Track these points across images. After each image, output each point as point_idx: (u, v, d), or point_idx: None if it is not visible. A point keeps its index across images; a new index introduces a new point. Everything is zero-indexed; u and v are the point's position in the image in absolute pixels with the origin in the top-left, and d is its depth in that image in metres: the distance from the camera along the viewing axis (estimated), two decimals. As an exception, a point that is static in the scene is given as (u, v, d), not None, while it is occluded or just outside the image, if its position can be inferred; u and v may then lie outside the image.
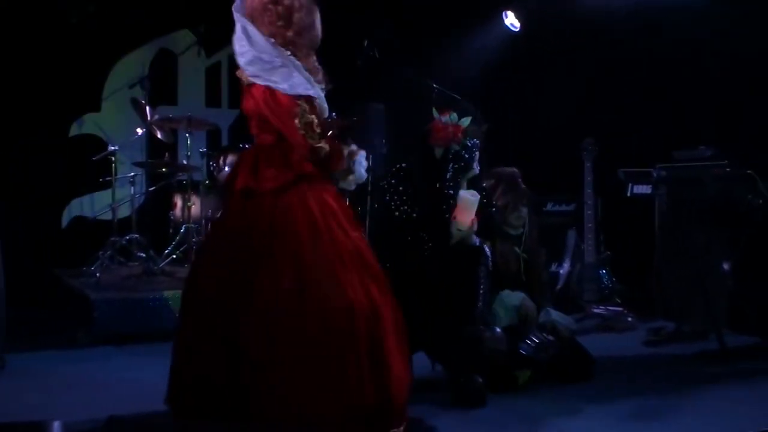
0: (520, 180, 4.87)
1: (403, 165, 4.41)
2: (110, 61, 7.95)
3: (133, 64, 7.93)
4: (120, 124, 7.67)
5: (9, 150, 5.62)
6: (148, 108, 6.95)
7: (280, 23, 3.40)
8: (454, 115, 4.26)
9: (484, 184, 4.53)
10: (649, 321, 6.14)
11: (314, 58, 3.53)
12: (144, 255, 6.72)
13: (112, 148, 7.08)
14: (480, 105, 4.43)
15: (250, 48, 3.35)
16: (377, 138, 8.02)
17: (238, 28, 3.39)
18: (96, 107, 7.97)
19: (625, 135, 7.17)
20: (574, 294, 6.44)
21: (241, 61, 3.40)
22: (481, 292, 4.31)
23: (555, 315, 4.77)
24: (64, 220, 7.78)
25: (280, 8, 3.41)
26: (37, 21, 7.29)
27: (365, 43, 6.44)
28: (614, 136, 6.96)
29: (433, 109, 4.29)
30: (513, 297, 4.65)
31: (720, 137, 6.16)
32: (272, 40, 3.38)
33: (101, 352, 5.33)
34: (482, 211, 4.32)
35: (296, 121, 3.33)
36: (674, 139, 6.47)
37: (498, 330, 4.38)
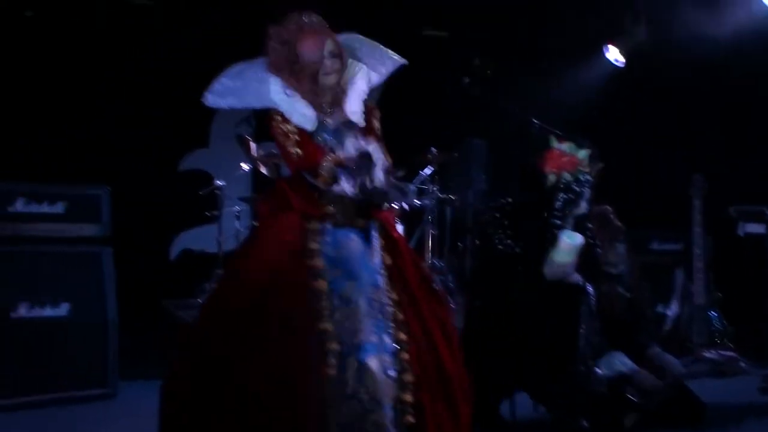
0: (612, 216, 4.78)
1: (509, 200, 4.38)
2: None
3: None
4: (226, 160, 7.87)
5: (121, 184, 5.86)
6: (253, 144, 7.12)
7: (282, 56, 3.53)
8: (572, 146, 4.21)
9: (590, 225, 4.44)
10: (763, 366, 5.89)
11: (313, 84, 3.54)
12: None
13: (219, 183, 7.27)
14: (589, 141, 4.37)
15: (221, 79, 3.57)
16: (478, 174, 8.02)
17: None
18: (204, 143, 8.23)
19: (736, 171, 6.97)
20: (683, 336, 6.25)
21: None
22: (583, 332, 4.23)
23: (662, 356, 4.64)
24: (173, 253, 8.01)
25: (277, 44, 3.54)
26: (153, 61, 7.59)
27: (465, 80, 6.47)
28: (725, 172, 6.77)
29: (552, 137, 4.25)
30: (622, 364, 4.52)
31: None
32: (258, 71, 3.54)
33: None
34: (586, 251, 4.24)
35: (275, 131, 3.47)
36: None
37: (600, 372, 4.29)
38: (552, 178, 4.18)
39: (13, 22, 6.95)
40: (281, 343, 3.19)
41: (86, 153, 7.15)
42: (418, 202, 7.30)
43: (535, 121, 6.27)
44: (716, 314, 6.25)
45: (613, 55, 8.11)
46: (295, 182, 3.49)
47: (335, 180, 3.41)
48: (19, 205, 4.76)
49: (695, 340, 6.19)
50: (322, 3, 3.70)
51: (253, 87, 3.54)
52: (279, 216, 3.44)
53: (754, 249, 6.25)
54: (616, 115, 8.30)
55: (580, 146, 4.19)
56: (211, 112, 8.25)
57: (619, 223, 4.77)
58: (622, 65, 8.12)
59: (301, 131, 3.46)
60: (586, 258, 4.23)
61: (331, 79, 3.56)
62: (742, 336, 6.23)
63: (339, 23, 3.74)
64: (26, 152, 6.83)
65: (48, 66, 7.15)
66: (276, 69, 3.54)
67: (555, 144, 4.22)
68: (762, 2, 6.80)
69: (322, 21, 3.60)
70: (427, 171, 7.44)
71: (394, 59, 3.83)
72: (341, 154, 3.46)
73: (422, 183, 7.50)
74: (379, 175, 3.50)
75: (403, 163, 7.53)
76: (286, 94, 3.50)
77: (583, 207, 4.26)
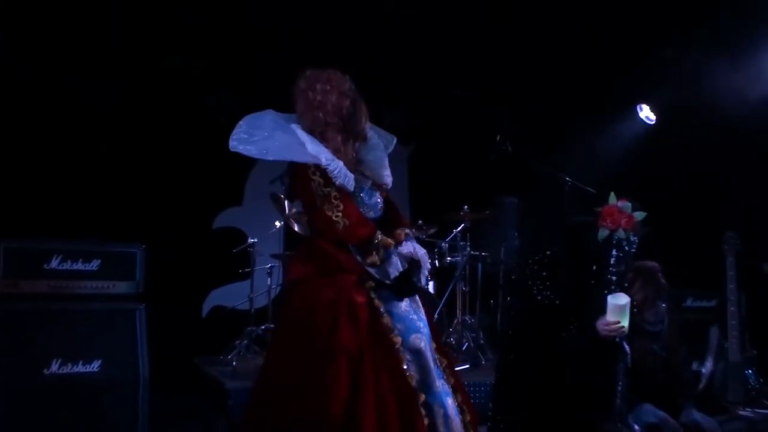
0: (660, 275, 4.74)
1: (548, 253, 4.37)
2: (253, 158, 8.30)
3: (274, 161, 8.25)
4: (259, 218, 7.95)
5: (155, 241, 5.93)
6: (286, 202, 7.19)
7: (315, 104, 3.55)
8: (629, 205, 4.21)
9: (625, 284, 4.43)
10: (801, 425, 5.78)
11: (342, 140, 3.59)
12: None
13: (252, 240, 7.34)
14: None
15: (244, 124, 3.58)
16: (510, 231, 8.02)
17: (249, 115, 3.64)
18: (238, 201, 8.34)
19: (769, 228, 6.90)
20: (718, 394, 6.14)
21: (231, 135, 3.57)
22: (620, 389, 4.19)
23: (698, 416, 4.56)
24: (205, 309, 8.07)
25: (316, 94, 3.56)
26: (189, 120, 7.75)
27: (498, 138, 6.52)
28: (758, 229, 6.70)
29: (612, 194, 4.26)
30: (652, 414, 4.46)
31: None
32: (293, 125, 3.54)
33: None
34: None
35: (312, 193, 3.44)
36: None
37: (636, 428, 4.23)
38: (604, 233, 4.18)
39: (52, 79, 7.12)
40: (382, 405, 3.27)
41: (121, 210, 7.26)
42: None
43: (568, 179, 6.33)
44: (752, 372, 6.15)
45: (645, 113, 8.13)
46: (335, 243, 3.49)
47: (382, 263, 3.45)
48: (55, 263, 4.84)
49: (730, 398, 6.08)
50: (350, 63, 3.76)
51: (282, 139, 3.51)
52: (337, 276, 3.43)
53: (788, 305, 6.18)
54: (649, 172, 8.28)
55: (635, 208, 4.20)
56: (246, 171, 8.40)
57: (664, 282, 4.75)
58: (653, 123, 8.13)
59: (343, 193, 3.47)
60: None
61: (361, 140, 3.65)
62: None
63: (367, 84, 3.82)
64: (62, 210, 6.94)
65: (83, 123, 7.29)
66: (314, 122, 3.55)
67: (614, 200, 4.23)
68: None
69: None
70: (459, 228, 7.48)
71: (390, 136, 3.88)
72: (406, 244, 3.52)
73: (454, 240, 7.53)
74: (424, 276, 3.57)
75: (436, 220, 7.65)
76: (320, 153, 3.47)
77: (623, 268, 4.26)
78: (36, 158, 7.04)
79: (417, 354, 3.42)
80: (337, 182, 3.45)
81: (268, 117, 3.58)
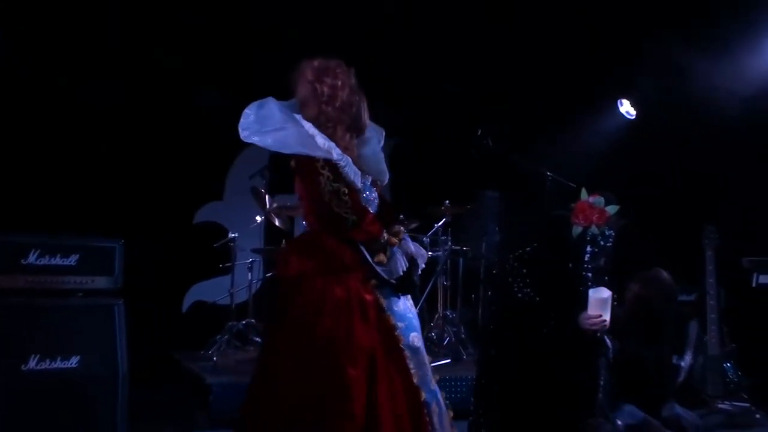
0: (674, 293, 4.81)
1: (527, 249, 4.37)
2: (234, 152, 8.30)
3: (255, 154, 8.23)
4: (240, 212, 7.93)
5: (135, 236, 5.89)
6: (267, 196, 7.17)
7: (324, 99, 3.47)
8: (602, 200, 4.21)
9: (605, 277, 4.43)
10: (779, 418, 5.83)
11: (349, 138, 3.54)
12: (260, 340, 6.84)
13: (232, 235, 7.31)
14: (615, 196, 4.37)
15: (253, 114, 3.41)
16: (491, 225, 8.03)
17: (254, 102, 3.45)
18: (219, 196, 8.31)
19: (749, 223, 6.94)
20: (697, 388, 6.18)
21: (239, 127, 3.41)
22: (602, 383, 4.21)
23: (680, 411, 4.59)
24: (185, 304, 8.03)
25: (324, 87, 3.48)
26: (169, 115, 7.70)
27: (479, 132, 6.52)
28: (737, 223, 6.75)
29: (583, 189, 4.26)
30: (632, 415, 4.48)
31: None
32: (297, 115, 3.45)
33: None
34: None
35: (320, 188, 3.36)
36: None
37: (619, 423, 4.26)
38: (578, 230, 4.19)
39: (29, 74, 7.06)
40: (395, 404, 3.27)
41: (100, 205, 7.22)
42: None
43: (549, 173, 6.33)
44: (730, 365, 6.19)
45: (626, 108, 8.17)
46: (340, 240, 3.44)
47: (388, 261, 3.43)
48: (32, 258, 4.78)
49: (709, 392, 6.12)
50: (341, 57, 3.71)
51: (294, 131, 3.39)
52: (342, 274, 3.38)
53: (767, 300, 6.21)
54: (628, 167, 8.32)
55: (609, 201, 4.20)
56: (227, 165, 8.35)
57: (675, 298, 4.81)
58: (633, 117, 8.16)
59: (351, 190, 3.43)
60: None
61: (363, 137, 3.62)
62: (757, 387, 6.15)
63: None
64: (39, 204, 6.89)
65: (62, 117, 7.24)
66: (321, 115, 3.47)
67: (585, 196, 4.23)
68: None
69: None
70: (441, 223, 7.48)
71: (379, 128, 3.83)
72: (405, 242, 3.51)
73: (435, 234, 7.53)
74: (417, 275, 3.57)
75: (418, 214, 7.65)
76: (331, 148, 3.41)
77: (602, 262, 4.26)
78: (12, 152, 6.98)
79: (416, 352, 3.42)
80: (347, 179, 3.41)
81: (275, 106, 3.44)
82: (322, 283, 3.35)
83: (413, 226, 7.45)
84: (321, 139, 3.39)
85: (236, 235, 7.32)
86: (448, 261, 7.60)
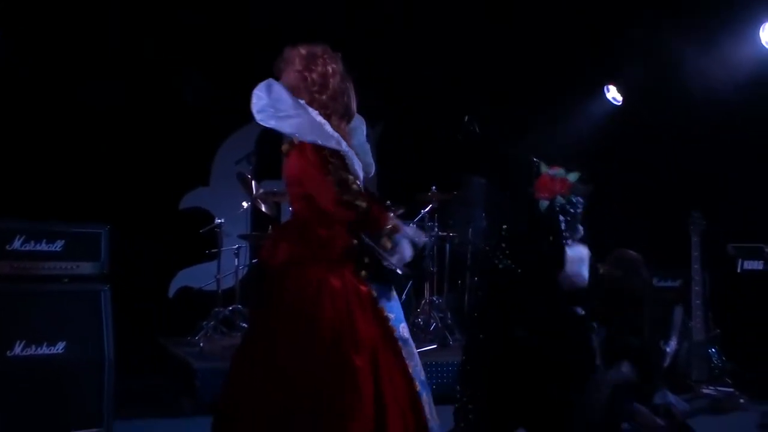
0: (643, 268, 4.80)
1: (504, 227, 4.37)
2: (220, 137, 8.27)
3: (241, 140, 8.21)
4: (226, 198, 7.90)
5: (121, 221, 5.87)
6: (253, 182, 7.15)
7: (315, 88, 3.43)
8: (562, 171, 4.23)
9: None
10: (763, 403, 5.85)
11: (344, 125, 3.51)
12: (246, 325, 6.83)
13: (219, 221, 7.30)
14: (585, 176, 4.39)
15: (265, 96, 3.32)
16: (477, 211, 8.03)
17: (261, 84, 3.36)
18: (205, 181, 8.28)
19: (734, 209, 6.97)
20: (682, 373, 6.22)
21: (253, 109, 3.33)
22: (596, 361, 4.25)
23: (672, 398, 4.62)
24: (171, 290, 8.02)
25: (314, 75, 3.44)
26: (155, 101, 7.67)
27: (466, 118, 6.51)
28: (723, 209, 6.78)
29: (541, 163, 4.27)
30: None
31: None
32: (301, 100, 3.37)
33: (207, 422, 5.39)
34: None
35: (329, 176, 3.29)
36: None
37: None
38: (544, 204, 4.20)
39: (16, 64, 7.02)
40: (398, 396, 3.24)
41: (86, 191, 7.19)
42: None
43: (536, 159, 6.33)
44: (715, 350, 6.23)
45: (612, 94, 8.18)
46: (335, 232, 3.37)
47: (394, 248, 3.39)
48: (17, 243, 4.76)
49: (694, 377, 6.17)
50: (325, 43, 3.67)
51: (305, 118, 3.33)
52: (335, 263, 3.32)
53: (752, 285, 6.26)
54: (614, 153, 8.34)
55: (569, 170, 4.22)
56: (213, 150, 8.33)
57: (647, 275, 4.82)
58: (620, 103, 8.17)
59: (355, 178, 3.39)
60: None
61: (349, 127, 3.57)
62: (741, 372, 6.20)
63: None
64: (25, 190, 6.86)
65: (47, 104, 7.21)
66: (313, 103, 3.42)
67: (545, 169, 4.25)
68: (760, 43, 6.86)
69: None
70: (427, 209, 7.48)
71: (360, 117, 3.76)
72: (404, 228, 3.45)
73: (422, 220, 7.53)
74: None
75: (404, 200, 7.64)
76: (337, 138, 3.37)
77: (580, 230, 4.28)
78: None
79: (405, 343, 3.39)
80: (351, 168, 3.38)
81: (282, 90, 3.35)
82: (316, 272, 3.29)
83: (400, 212, 7.44)
84: (329, 128, 3.36)
85: (222, 220, 7.30)
86: (435, 247, 7.60)
